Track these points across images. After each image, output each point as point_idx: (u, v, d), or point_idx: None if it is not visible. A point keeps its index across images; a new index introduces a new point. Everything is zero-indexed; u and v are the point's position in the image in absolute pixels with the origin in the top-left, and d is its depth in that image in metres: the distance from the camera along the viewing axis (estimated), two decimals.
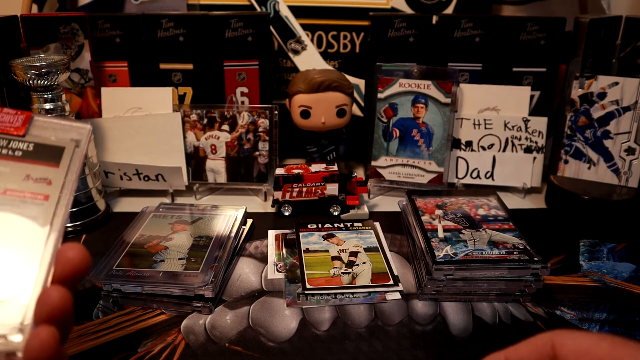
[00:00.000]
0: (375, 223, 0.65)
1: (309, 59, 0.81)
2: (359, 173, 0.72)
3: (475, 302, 0.51)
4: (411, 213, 0.60)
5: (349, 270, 0.55)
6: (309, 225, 0.64)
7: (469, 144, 0.74)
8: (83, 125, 0.33)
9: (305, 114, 0.72)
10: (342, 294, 0.52)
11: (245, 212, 0.64)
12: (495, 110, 0.74)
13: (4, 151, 0.31)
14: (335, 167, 0.68)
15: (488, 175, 0.74)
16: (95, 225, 0.65)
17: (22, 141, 0.32)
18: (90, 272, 0.51)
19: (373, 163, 0.74)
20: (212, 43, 0.73)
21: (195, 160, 0.73)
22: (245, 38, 0.73)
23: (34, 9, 0.79)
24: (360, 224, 0.65)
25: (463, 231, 0.55)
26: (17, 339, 0.27)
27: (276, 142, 0.72)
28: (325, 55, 0.82)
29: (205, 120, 0.72)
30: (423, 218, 0.58)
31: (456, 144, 0.74)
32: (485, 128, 0.73)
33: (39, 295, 0.28)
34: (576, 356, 0.26)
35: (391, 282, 0.53)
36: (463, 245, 0.53)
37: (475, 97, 0.74)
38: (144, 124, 0.71)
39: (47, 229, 0.30)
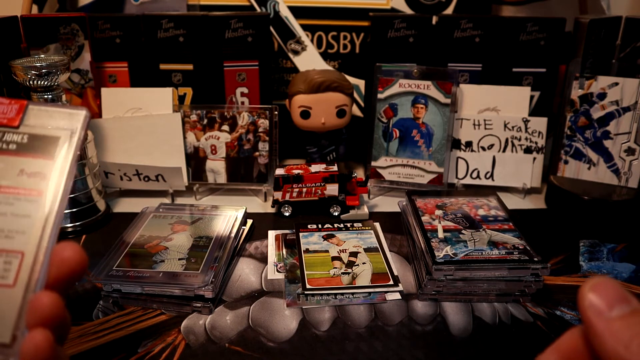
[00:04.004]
0: (375, 223, 0.65)
1: (309, 60, 0.81)
2: (359, 173, 0.72)
3: (475, 303, 0.51)
4: (411, 213, 0.60)
5: (349, 270, 0.55)
6: (309, 226, 0.64)
7: (468, 144, 0.74)
8: (79, 111, 0.31)
9: (305, 114, 0.72)
10: (342, 294, 0.52)
11: (245, 212, 0.64)
12: (495, 111, 0.74)
13: None
14: (335, 168, 0.68)
15: (488, 175, 0.74)
16: (95, 226, 0.65)
17: (16, 133, 0.30)
18: (89, 272, 0.51)
19: (373, 163, 0.74)
20: (212, 43, 0.74)
21: (195, 160, 0.73)
22: (245, 38, 0.73)
23: (34, 9, 0.79)
24: (360, 224, 0.65)
25: (463, 231, 0.55)
26: (11, 345, 0.26)
27: (276, 142, 0.72)
28: (325, 56, 0.82)
29: (205, 121, 0.72)
30: (423, 218, 0.58)
31: (456, 144, 0.74)
32: (485, 128, 0.73)
33: (30, 301, 0.27)
34: None
35: (391, 282, 0.53)
36: (463, 246, 0.53)
37: (475, 98, 0.74)
38: (144, 124, 0.71)
39: (40, 228, 0.28)
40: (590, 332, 0.23)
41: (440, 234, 0.55)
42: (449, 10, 0.81)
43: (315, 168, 0.69)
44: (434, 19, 0.74)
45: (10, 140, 0.30)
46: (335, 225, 0.64)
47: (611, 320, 0.23)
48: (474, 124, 0.73)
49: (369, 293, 0.52)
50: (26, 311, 0.27)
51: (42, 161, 0.30)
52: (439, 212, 0.60)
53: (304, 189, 0.67)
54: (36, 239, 0.28)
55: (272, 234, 0.64)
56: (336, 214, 0.67)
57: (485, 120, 0.73)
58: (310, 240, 0.61)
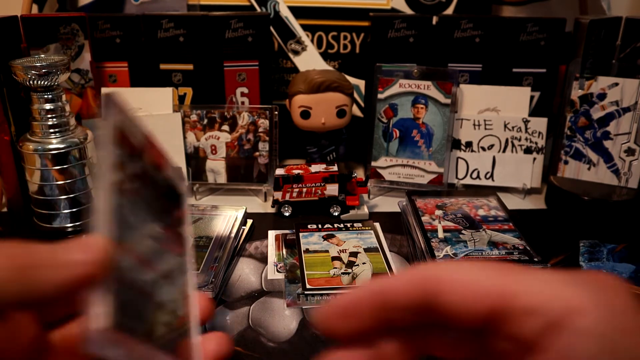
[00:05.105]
0: (375, 223, 0.65)
1: (309, 60, 0.81)
2: (359, 173, 0.72)
3: None
4: (411, 213, 0.60)
5: (349, 270, 0.55)
6: (309, 226, 0.64)
7: (469, 144, 0.74)
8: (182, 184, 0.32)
9: (306, 114, 0.72)
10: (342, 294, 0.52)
11: (245, 212, 0.64)
12: (495, 111, 0.74)
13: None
14: (335, 168, 0.68)
15: (488, 175, 0.74)
16: None
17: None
18: None
19: (373, 163, 0.74)
20: (212, 43, 0.74)
21: (196, 160, 0.73)
22: (245, 38, 0.73)
23: (34, 9, 0.79)
24: (360, 225, 0.65)
25: (463, 232, 0.56)
26: None
27: (276, 142, 0.72)
28: (325, 56, 0.82)
29: (206, 121, 0.72)
30: (423, 218, 0.58)
31: (456, 144, 0.74)
32: (485, 129, 0.73)
33: (197, 343, 0.27)
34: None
35: None
36: (463, 246, 0.53)
37: (475, 98, 0.74)
38: (144, 124, 0.71)
39: (187, 279, 0.29)
40: None
41: (440, 234, 0.55)
42: (449, 11, 0.81)
43: (315, 168, 0.69)
44: (434, 19, 0.74)
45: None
46: (335, 225, 0.64)
47: None
48: (474, 124, 0.73)
49: None
50: (196, 351, 0.27)
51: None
52: (439, 212, 0.60)
53: (304, 189, 0.67)
54: (187, 290, 0.29)
55: (272, 234, 0.64)
56: (336, 214, 0.67)
57: (485, 120, 0.73)
58: (310, 240, 0.61)
